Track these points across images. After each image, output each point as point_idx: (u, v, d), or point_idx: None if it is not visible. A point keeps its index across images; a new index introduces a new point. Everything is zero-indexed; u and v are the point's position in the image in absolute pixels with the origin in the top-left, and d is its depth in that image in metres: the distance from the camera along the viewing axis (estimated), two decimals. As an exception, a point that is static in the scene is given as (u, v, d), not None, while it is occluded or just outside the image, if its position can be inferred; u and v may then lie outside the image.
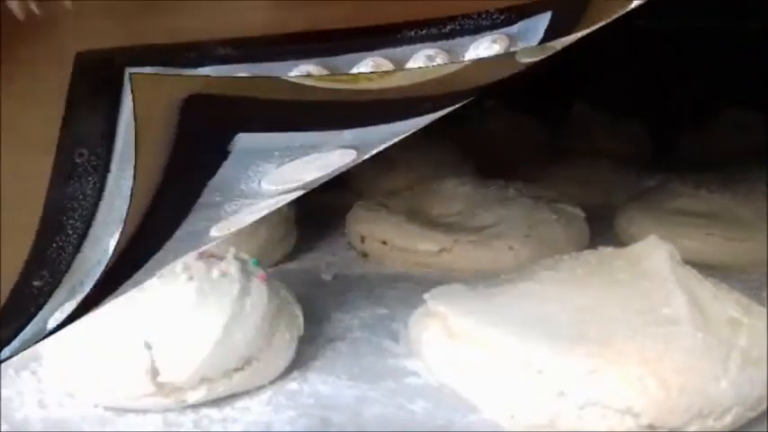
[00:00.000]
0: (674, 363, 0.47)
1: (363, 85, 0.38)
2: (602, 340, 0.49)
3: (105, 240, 0.38)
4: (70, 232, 0.37)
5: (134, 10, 0.35)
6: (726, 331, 0.50)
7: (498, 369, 0.52)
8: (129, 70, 0.34)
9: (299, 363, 0.58)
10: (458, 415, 0.52)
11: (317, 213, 0.91)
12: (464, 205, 0.86)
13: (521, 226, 0.79)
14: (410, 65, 0.38)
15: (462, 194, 0.87)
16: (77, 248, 0.38)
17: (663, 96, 1.36)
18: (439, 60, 0.38)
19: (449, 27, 0.39)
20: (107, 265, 0.39)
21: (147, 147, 0.36)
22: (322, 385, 0.56)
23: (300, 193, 0.44)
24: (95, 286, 0.40)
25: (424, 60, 0.38)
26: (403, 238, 0.79)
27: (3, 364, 0.56)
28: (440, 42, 0.38)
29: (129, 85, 0.34)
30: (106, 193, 0.37)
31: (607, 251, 0.59)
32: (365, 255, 0.82)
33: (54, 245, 0.37)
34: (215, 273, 0.54)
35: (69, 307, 0.40)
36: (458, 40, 0.39)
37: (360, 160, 0.44)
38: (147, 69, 0.35)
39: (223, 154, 0.37)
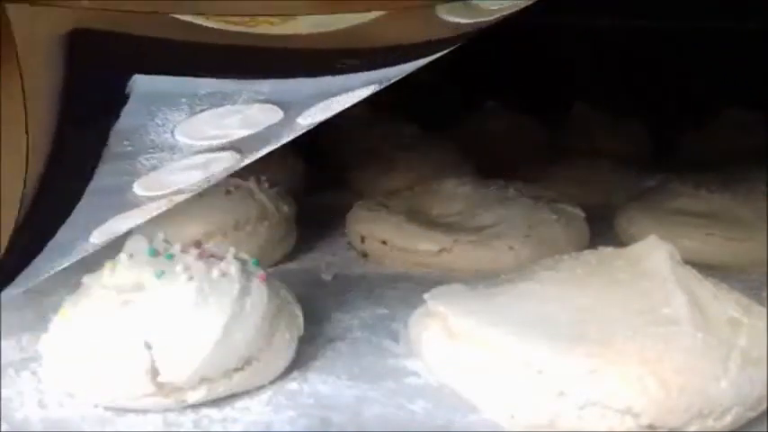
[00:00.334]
0: (674, 363, 0.47)
1: (264, 29, 0.36)
2: (602, 340, 0.49)
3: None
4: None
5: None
6: (726, 331, 0.50)
7: (498, 369, 0.52)
8: (6, 5, 0.31)
9: (299, 363, 0.58)
10: (458, 415, 0.52)
11: (317, 213, 0.91)
12: (464, 205, 0.86)
13: (521, 226, 0.79)
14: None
15: (462, 194, 0.87)
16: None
17: (663, 96, 1.36)
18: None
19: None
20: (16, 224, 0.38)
21: (36, 90, 0.34)
22: (322, 385, 0.56)
23: (239, 159, 0.43)
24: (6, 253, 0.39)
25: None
26: (403, 238, 0.79)
27: (3, 364, 0.56)
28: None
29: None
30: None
31: (607, 251, 0.59)
32: (365, 255, 0.82)
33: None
34: (215, 273, 0.54)
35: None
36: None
37: (300, 124, 0.42)
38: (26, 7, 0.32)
39: (122, 97, 0.35)
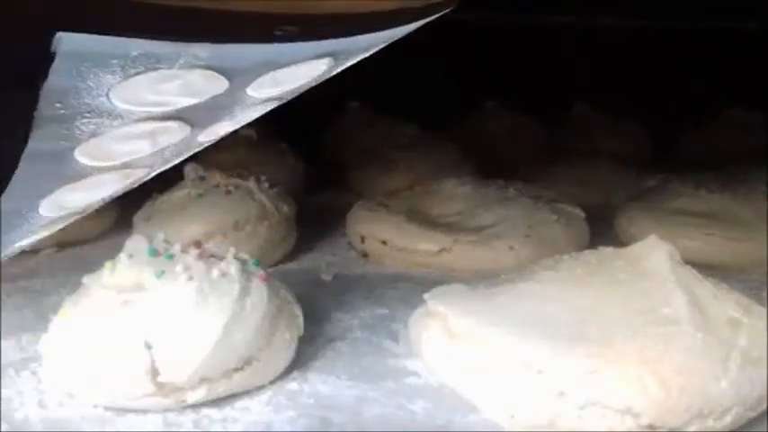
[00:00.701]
0: (674, 363, 0.47)
1: None
2: (602, 340, 0.49)
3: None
4: None
5: None
6: (726, 331, 0.50)
7: (498, 369, 0.52)
8: None
9: (299, 363, 0.58)
10: (458, 415, 0.52)
11: (316, 213, 0.91)
12: (464, 205, 0.86)
13: (521, 226, 0.79)
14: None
15: (462, 194, 0.87)
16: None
17: (663, 96, 1.36)
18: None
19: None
20: None
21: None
22: (322, 385, 0.56)
23: (190, 133, 0.41)
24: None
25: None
26: (403, 238, 0.79)
27: (3, 364, 0.57)
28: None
29: None
30: None
31: (607, 251, 0.59)
32: (365, 255, 0.82)
33: None
34: (215, 273, 0.54)
35: None
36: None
37: (253, 97, 0.41)
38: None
39: (48, 55, 0.34)
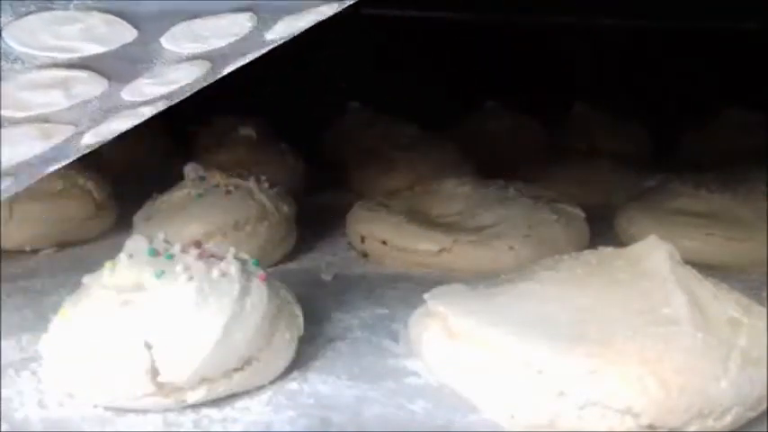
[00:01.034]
0: (674, 363, 0.47)
1: None
2: (602, 340, 0.49)
3: None
4: None
5: None
6: (726, 331, 0.50)
7: (498, 369, 0.52)
8: None
9: (299, 363, 0.58)
10: (458, 415, 0.52)
11: (316, 213, 0.91)
12: (464, 205, 0.86)
13: (521, 226, 0.79)
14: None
15: (462, 194, 0.87)
16: None
17: (663, 96, 1.36)
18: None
19: None
20: None
21: None
22: (322, 385, 0.56)
23: (109, 87, 0.39)
24: None
25: None
26: (403, 238, 0.79)
27: (3, 364, 0.56)
28: None
29: None
30: None
31: (607, 251, 0.59)
32: (365, 255, 0.82)
33: None
34: (215, 273, 0.54)
35: None
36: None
37: (170, 51, 0.38)
38: None
39: None
